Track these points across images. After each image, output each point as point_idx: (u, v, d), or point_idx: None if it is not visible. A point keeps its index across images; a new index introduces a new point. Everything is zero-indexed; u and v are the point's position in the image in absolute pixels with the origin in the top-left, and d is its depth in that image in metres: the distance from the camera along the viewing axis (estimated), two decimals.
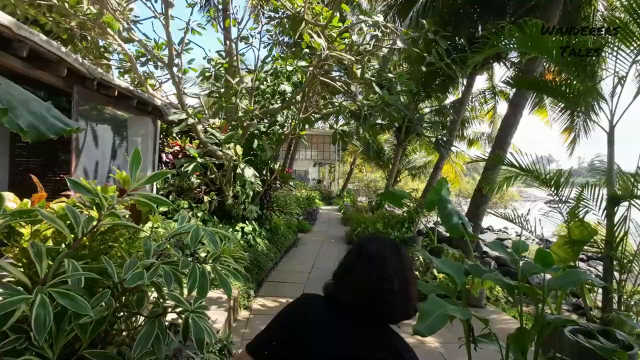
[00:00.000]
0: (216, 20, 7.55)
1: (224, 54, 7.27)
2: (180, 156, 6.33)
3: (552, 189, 3.13)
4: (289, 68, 5.21)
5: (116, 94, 4.47)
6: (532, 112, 13.45)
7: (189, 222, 1.93)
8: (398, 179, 21.43)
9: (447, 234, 12.38)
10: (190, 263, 1.48)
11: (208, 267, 1.63)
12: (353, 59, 4.62)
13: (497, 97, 13.39)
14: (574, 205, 3.23)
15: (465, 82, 14.23)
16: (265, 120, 6.63)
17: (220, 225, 6.04)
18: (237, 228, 6.43)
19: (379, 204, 15.63)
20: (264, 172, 7.07)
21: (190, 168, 4.19)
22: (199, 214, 5.57)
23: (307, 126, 8.03)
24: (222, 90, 6.25)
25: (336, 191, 27.81)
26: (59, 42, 5.62)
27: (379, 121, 17.60)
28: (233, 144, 4.62)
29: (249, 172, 4.21)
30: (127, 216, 2.16)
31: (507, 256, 2.13)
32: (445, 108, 11.55)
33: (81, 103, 4.13)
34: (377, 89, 4.27)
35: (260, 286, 5.34)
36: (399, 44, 4.00)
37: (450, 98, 14.98)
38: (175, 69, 6.30)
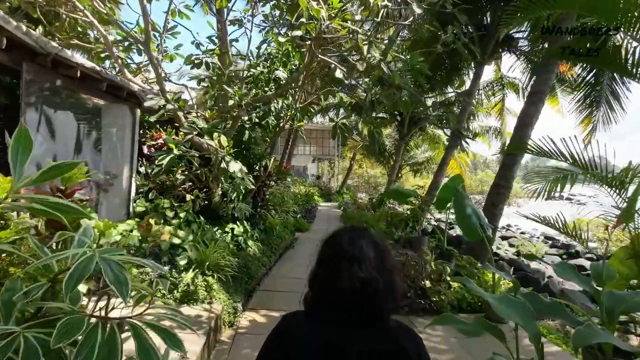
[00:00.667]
0: (206, 1, 6.88)
1: (215, 39, 6.60)
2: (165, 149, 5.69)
3: (615, 189, 2.50)
4: (281, 39, 4.53)
5: (79, 74, 3.80)
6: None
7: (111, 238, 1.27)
8: (399, 174, 20.80)
9: (454, 234, 11.72)
10: (83, 322, 0.83)
11: (138, 322, 0.97)
12: (359, 30, 3.96)
13: (505, 90, 12.71)
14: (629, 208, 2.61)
15: (471, 74, 13.57)
16: (258, 110, 5.98)
17: (207, 226, 5.40)
18: (226, 229, 5.80)
19: (381, 201, 15.02)
20: (257, 168, 6.42)
21: (165, 161, 3.55)
22: (182, 215, 4.93)
23: (305, 119, 7.38)
24: (214, 78, 5.59)
25: (336, 187, 27.17)
26: (34, 28, 4.97)
27: (381, 114, 16.88)
28: (217, 133, 3.97)
29: (235, 166, 3.57)
30: (38, 227, 1.52)
31: (585, 286, 1.48)
32: (460, 95, 10.79)
33: (33, 84, 3.47)
34: (385, 69, 3.63)
35: (250, 297, 4.71)
36: (416, 9, 3.33)
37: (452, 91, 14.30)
38: (155, 52, 5.65)
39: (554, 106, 13.31)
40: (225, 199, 5.27)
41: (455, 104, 14.15)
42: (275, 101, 6.18)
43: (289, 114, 6.12)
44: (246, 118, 6.20)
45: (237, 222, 5.98)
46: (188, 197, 4.84)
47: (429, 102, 15.31)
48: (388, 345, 0.93)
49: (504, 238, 18.04)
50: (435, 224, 13.34)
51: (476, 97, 14.38)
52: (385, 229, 9.09)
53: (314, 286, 1.05)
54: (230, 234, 5.76)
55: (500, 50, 10.88)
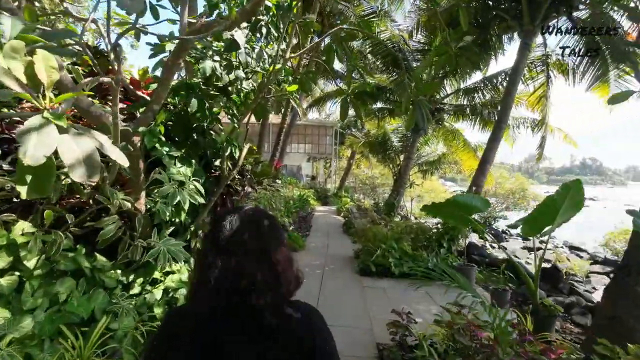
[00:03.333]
0: None
1: None
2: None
3: None
4: None
5: None
6: (591, 89, 10.29)
7: None
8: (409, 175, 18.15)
9: (492, 248, 9.07)
10: None
11: None
12: None
13: (550, 72, 10.16)
14: None
15: (502, 53, 11.06)
16: (219, 56, 3.31)
17: (112, 275, 2.72)
18: (157, 276, 3.14)
19: (391, 207, 12.42)
20: (219, 164, 3.74)
21: None
22: (30, 263, 2.22)
23: (303, 102, 4.71)
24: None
25: (333, 189, 24.55)
26: None
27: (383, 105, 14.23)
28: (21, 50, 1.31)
29: (68, 149, 1.05)
30: None
31: None
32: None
33: None
34: None
35: None
36: None
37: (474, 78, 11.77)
38: None
39: (603, 95, 10.76)
40: (128, 226, 2.60)
41: (487, 88, 11.61)
42: (247, 48, 3.53)
43: (270, 69, 3.47)
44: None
45: (178, 262, 3.29)
46: (18, 228, 2.14)
47: (449, 89, 12.76)
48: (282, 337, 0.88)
49: (529, 250, 15.57)
50: (486, 241, 10.76)
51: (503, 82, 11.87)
52: (411, 253, 6.45)
53: (195, 274, 0.96)
54: (162, 286, 3.10)
55: (555, 14, 8.34)
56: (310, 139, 25.57)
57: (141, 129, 2.79)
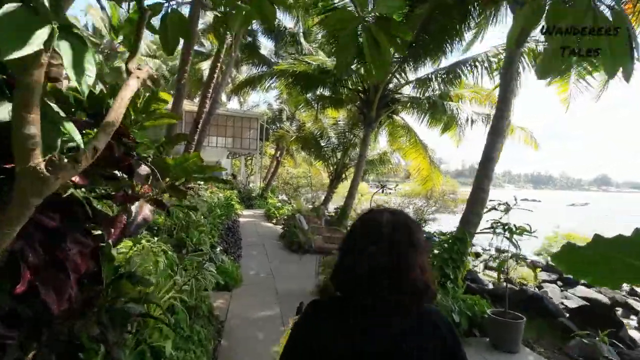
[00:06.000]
0: None
1: None
2: None
3: None
4: None
5: None
6: (551, 83, 9.44)
7: None
8: (344, 177, 16.25)
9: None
10: None
11: None
12: None
13: (523, 59, 9.02)
14: None
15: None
16: None
17: None
18: None
19: (343, 214, 10.26)
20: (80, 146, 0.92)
21: None
22: None
23: None
24: None
25: (258, 190, 21.61)
26: None
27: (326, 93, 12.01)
28: None
29: None
30: None
31: None
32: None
33: None
34: None
35: None
36: None
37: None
38: None
39: (562, 92, 9.99)
40: None
41: (448, 78, 10.04)
42: None
43: None
44: None
45: None
46: None
47: (411, 75, 11.03)
48: (423, 337, 0.91)
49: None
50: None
51: (464, 73, 10.56)
52: None
53: (344, 264, 0.98)
54: None
55: None
56: (232, 132, 22.15)
57: None
